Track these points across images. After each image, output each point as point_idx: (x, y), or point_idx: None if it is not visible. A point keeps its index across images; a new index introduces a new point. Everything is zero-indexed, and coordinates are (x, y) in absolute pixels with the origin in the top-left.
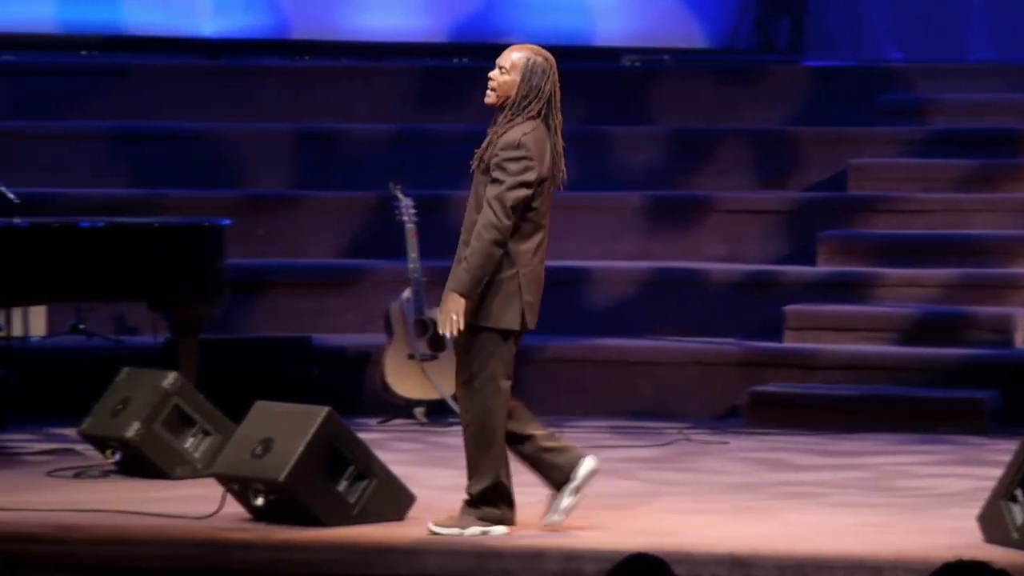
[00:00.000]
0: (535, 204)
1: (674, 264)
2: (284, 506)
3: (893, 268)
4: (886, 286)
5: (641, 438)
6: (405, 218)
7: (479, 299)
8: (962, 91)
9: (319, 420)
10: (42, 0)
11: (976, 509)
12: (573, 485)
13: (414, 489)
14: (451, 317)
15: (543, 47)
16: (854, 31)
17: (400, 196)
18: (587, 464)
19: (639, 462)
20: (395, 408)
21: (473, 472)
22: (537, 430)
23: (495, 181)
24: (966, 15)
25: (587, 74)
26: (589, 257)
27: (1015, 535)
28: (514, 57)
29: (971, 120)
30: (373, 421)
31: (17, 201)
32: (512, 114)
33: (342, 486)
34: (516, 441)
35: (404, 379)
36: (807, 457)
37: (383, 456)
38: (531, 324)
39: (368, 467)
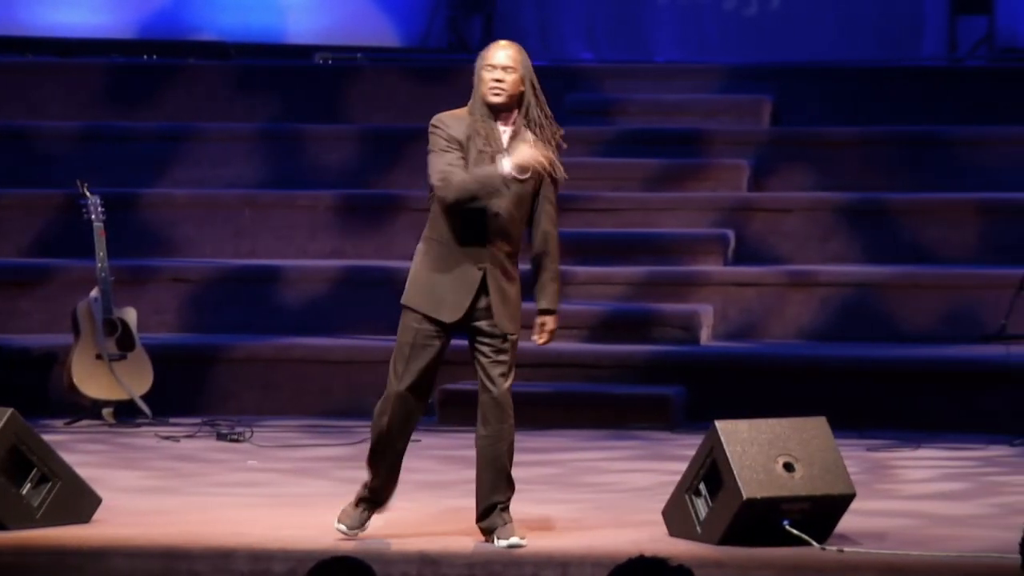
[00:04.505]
0: None
1: (368, 263)
2: None
3: (582, 266)
4: (576, 284)
5: (333, 437)
6: (93, 216)
7: (516, 307)
8: (649, 91)
9: (1, 422)
10: None
11: (662, 504)
12: None
13: (101, 491)
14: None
15: (234, 45)
16: (544, 31)
17: (87, 194)
18: None
19: (331, 461)
20: (83, 409)
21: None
22: None
23: (557, 187)
24: (653, 17)
25: (280, 71)
26: (282, 256)
27: (698, 528)
28: (514, 55)
29: (658, 120)
30: (60, 422)
31: None
32: (521, 109)
33: (25, 489)
34: None
35: (92, 379)
36: None
37: (70, 458)
38: None
39: (52, 469)
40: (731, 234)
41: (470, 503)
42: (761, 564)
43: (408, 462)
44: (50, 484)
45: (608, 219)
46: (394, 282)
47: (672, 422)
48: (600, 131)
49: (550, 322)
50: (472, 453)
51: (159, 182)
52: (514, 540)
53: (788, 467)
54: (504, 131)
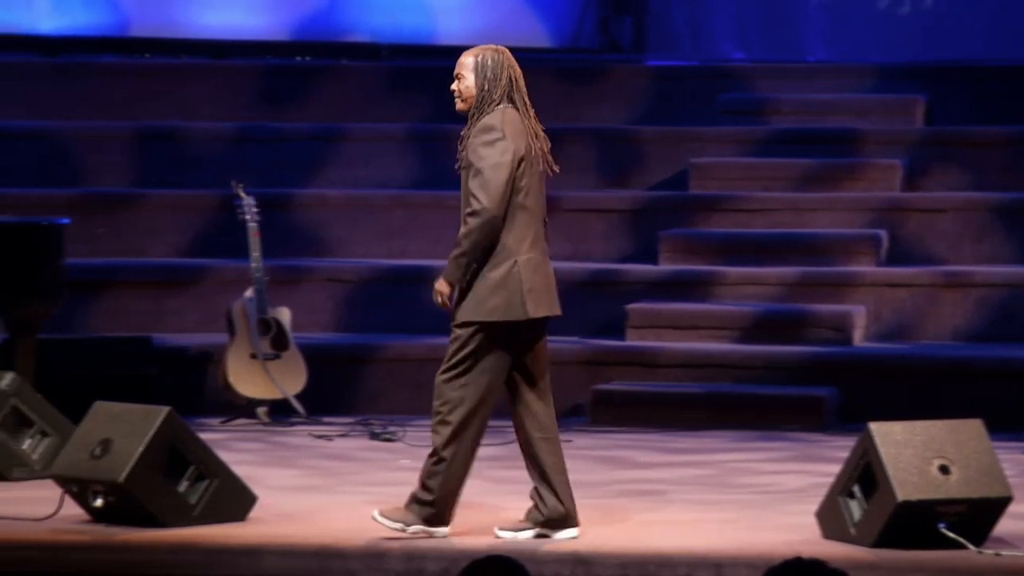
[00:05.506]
0: (520, 186)
1: None
2: (123, 507)
3: (734, 267)
4: (727, 284)
5: (484, 436)
6: (247, 217)
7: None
8: (801, 91)
9: (159, 420)
10: None
11: (815, 505)
12: None
13: (256, 490)
14: (437, 299)
15: (385, 46)
16: (696, 31)
17: (242, 195)
18: None
19: (483, 461)
20: (237, 408)
21: None
22: None
23: (475, 171)
24: (805, 16)
25: (430, 72)
26: (433, 256)
27: (852, 531)
28: (465, 61)
29: (810, 120)
30: (215, 421)
31: None
32: (478, 111)
33: (182, 487)
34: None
35: (246, 379)
36: (649, 455)
37: (225, 456)
38: (536, 312)
39: (209, 467)
40: (884, 234)
41: (622, 503)
42: (916, 567)
43: None
44: (207, 482)
45: (760, 219)
46: None
47: (824, 423)
48: (752, 131)
49: (436, 283)
50: (625, 453)
51: (311, 183)
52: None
53: (944, 469)
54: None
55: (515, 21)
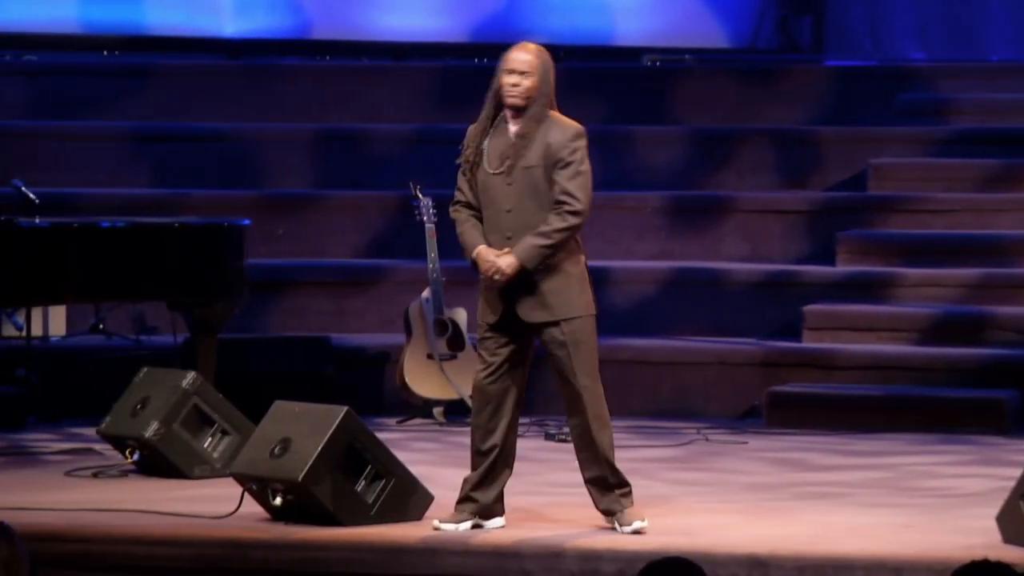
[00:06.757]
0: None
1: (695, 264)
2: (302, 506)
3: (913, 268)
4: (906, 286)
5: (661, 438)
6: (424, 218)
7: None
8: (983, 91)
9: (337, 420)
10: (65, 0)
11: (995, 509)
12: None
13: (432, 489)
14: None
15: (563, 47)
16: (875, 31)
17: (419, 196)
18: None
19: (659, 462)
20: (414, 408)
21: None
22: None
23: (576, 172)
24: (987, 15)
25: (608, 73)
26: (611, 257)
27: None
28: (530, 60)
29: (992, 120)
30: (392, 421)
31: (38, 201)
32: (539, 111)
33: (360, 486)
34: None
35: (423, 379)
36: (826, 457)
37: (401, 456)
38: None
39: (386, 467)
40: None
41: (799, 505)
42: None
43: (736, 464)
44: (384, 481)
45: (941, 220)
46: (721, 283)
47: (1005, 426)
48: (933, 131)
49: (505, 257)
50: (802, 456)
51: None
52: (637, 524)
53: None
54: (513, 129)
55: (693, 22)
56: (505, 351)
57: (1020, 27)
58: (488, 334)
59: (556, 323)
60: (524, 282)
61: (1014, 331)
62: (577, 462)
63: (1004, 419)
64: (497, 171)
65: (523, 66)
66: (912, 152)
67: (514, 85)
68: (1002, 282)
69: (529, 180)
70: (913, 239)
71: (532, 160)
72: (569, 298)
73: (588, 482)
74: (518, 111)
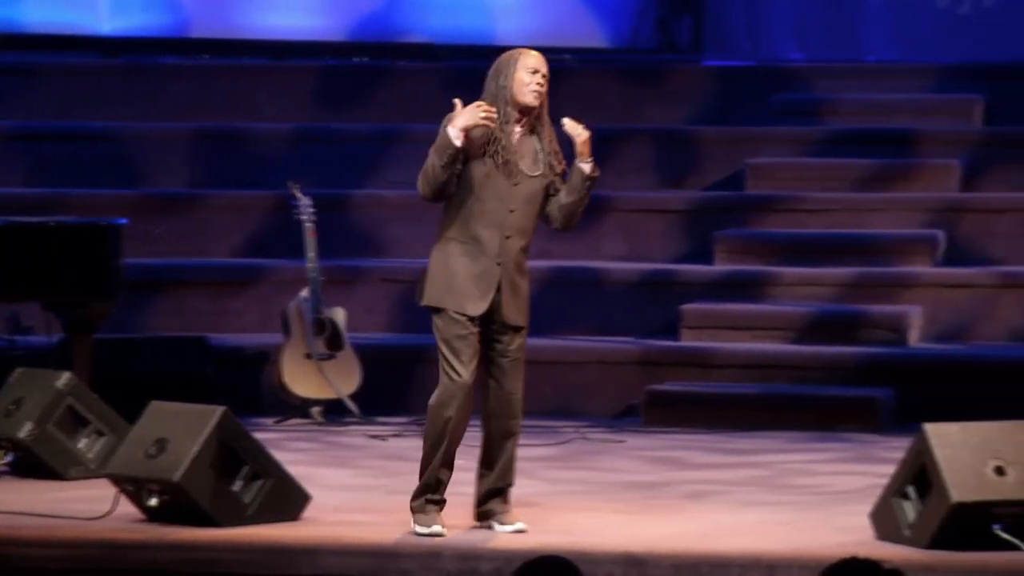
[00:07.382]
0: None
1: (575, 263)
2: (178, 506)
3: (790, 267)
4: (783, 285)
5: (540, 437)
6: (303, 217)
7: (526, 301)
8: (860, 91)
9: (214, 420)
10: None
11: (869, 506)
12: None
13: (310, 489)
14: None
15: (443, 47)
16: (754, 31)
17: (298, 195)
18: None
19: (538, 461)
20: (292, 408)
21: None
22: None
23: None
24: (865, 16)
25: (487, 73)
26: None
27: (906, 532)
28: (546, 64)
29: (869, 120)
30: (270, 421)
31: None
32: (543, 113)
33: (237, 486)
34: None
35: (301, 379)
36: (703, 455)
37: (279, 456)
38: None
39: (263, 467)
40: (941, 235)
41: (676, 504)
42: (971, 569)
43: (614, 462)
44: (261, 482)
45: (817, 220)
46: (601, 283)
47: (880, 424)
48: (809, 131)
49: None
50: (679, 454)
51: (368, 183)
52: (519, 525)
53: (1000, 471)
54: (517, 131)
55: (573, 21)
56: (477, 347)
57: (899, 27)
58: (470, 329)
59: (520, 329)
60: (514, 283)
61: (889, 330)
62: (480, 464)
63: (879, 417)
64: (534, 174)
65: (544, 67)
66: (789, 152)
67: (540, 84)
68: (877, 281)
69: (533, 187)
70: (790, 238)
71: (543, 168)
72: (528, 307)
73: (489, 487)
74: (530, 111)
